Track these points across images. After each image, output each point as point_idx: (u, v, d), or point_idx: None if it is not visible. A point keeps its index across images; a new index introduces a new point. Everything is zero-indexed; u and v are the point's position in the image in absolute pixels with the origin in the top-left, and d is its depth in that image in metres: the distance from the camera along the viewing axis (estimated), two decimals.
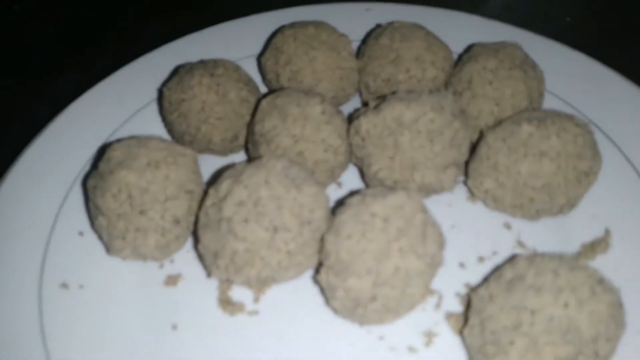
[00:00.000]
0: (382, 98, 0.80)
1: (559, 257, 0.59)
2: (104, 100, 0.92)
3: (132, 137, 0.74)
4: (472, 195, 0.79)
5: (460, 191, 0.81)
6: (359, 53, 0.94)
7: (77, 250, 0.75)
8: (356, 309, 0.61)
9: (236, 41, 1.02)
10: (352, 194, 0.67)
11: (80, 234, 0.77)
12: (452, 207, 0.80)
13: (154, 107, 0.93)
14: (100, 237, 0.73)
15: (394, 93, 0.81)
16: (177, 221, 0.70)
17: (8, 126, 1.01)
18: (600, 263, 0.72)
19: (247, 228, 0.63)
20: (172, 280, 0.72)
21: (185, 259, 0.75)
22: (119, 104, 0.92)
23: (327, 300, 0.65)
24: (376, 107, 0.76)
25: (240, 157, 0.87)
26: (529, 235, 0.76)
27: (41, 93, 1.07)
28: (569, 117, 0.73)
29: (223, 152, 0.86)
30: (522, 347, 0.53)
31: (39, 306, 0.68)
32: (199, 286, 0.72)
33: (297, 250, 0.64)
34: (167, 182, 0.69)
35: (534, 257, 0.60)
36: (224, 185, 0.66)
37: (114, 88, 0.94)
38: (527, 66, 0.82)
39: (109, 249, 0.71)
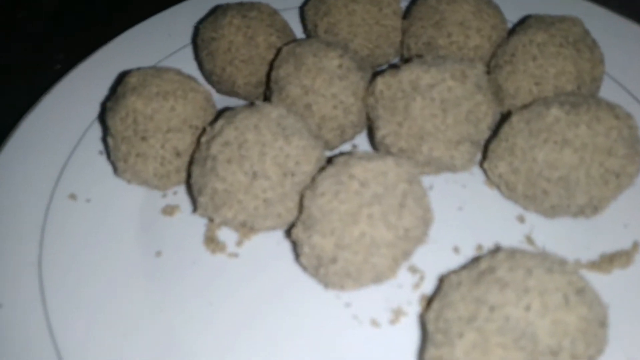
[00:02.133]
0: (416, 59, 0.75)
1: (543, 257, 0.52)
2: (148, 38, 0.95)
3: (152, 67, 0.76)
4: (488, 179, 0.72)
5: (479, 173, 0.75)
6: (407, 12, 0.88)
7: (92, 168, 0.79)
8: (319, 269, 0.60)
9: None
10: (343, 153, 0.64)
11: (100, 153, 0.81)
12: (465, 189, 0.74)
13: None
14: (108, 158, 0.77)
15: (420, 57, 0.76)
16: (177, 153, 0.72)
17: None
18: (616, 278, 0.63)
19: (228, 169, 0.63)
20: (169, 210, 0.75)
21: (184, 194, 0.77)
22: (164, 40, 0.95)
23: (296, 256, 0.63)
24: (397, 68, 0.71)
25: None
26: (542, 232, 0.69)
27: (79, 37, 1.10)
28: (611, 107, 0.63)
29: (250, 97, 0.86)
30: (469, 341, 0.49)
31: (45, 213, 0.74)
32: (192, 220, 0.74)
33: (275, 199, 0.63)
34: (172, 113, 0.71)
35: (517, 252, 0.54)
36: (218, 123, 0.66)
37: (160, 26, 0.97)
38: (583, 45, 0.72)
39: (115, 170, 0.75)
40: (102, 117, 0.79)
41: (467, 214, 0.71)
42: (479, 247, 0.68)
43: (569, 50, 0.70)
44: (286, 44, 0.79)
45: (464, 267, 0.58)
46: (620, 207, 0.67)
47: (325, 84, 0.72)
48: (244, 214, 0.64)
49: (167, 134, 0.71)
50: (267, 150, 0.63)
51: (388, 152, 0.71)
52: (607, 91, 0.76)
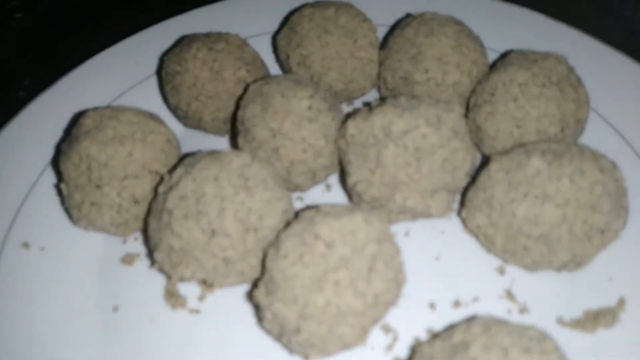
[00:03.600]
0: (384, 100, 0.71)
1: (520, 332, 0.48)
2: (108, 69, 0.90)
3: (109, 107, 0.71)
4: (464, 223, 0.68)
5: (458, 219, 0.70)
6: (385, 42, 0.84)
7: (47, 214, 0.74)
8: (282, 337, 0.55)
9: (256, 15, 0.96)
10: (310, 207, 0.60)
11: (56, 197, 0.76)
12: (444, 236, 0.70)
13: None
14: (62, 204, 0.72)
15: (397, 97, 0.72)
16: (136, 201, 0.67)
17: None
18: (600, 338, 0.60)
19: (184, 225, 0.58)
20: (128, 259, 0.70)
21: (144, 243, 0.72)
22: (125, 72, 0.90)
23: (259, 320, 0.59)
24: (370, 109, 0.67)
25: None
26: (523, 286, 0.65)
27: (46, 61, 1.05)
28: (595, 157, 0.59)
29: (218, 132, 0.82)
30: None
31: None
32: (152, 271, 0.69)
33: (236, 258, 0.59)
34: (129, 159, 0.66)
35: (492, 324, 0.50)
36: (176, 173, 0.62)
37: (120, 56, 0.92)
38: (567, 85, 0.68)
39: (69, 217, 0.70)
40: (56, 161, 0.74)
41: (444, 264, 0.67)
42: (456, 302, 0.64)
43: (552, 91, 0.66)
44: (255, 80, 0.75)
45: (437, 336, 0.54)
46: (604, 259, 0.63)
47: (294, 127, 0.67)
48: (202, 273, 0.60)
49: (124, 181, 0.66)
50: (226, 205, 0.58)
51: (360, 199, 0.67)
52: (593, 128, 0.72)
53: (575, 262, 0.60)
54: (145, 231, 0.68)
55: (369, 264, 0.54)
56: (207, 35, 0.80)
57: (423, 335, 0.61)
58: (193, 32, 0.92)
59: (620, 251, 0.63)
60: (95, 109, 0.71)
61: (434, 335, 0.56)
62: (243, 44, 0.80)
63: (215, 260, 0.58)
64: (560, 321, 0.61)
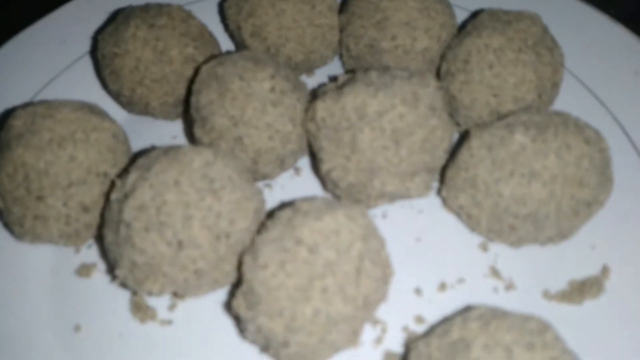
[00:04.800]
0: (354, 73, 0.66)
1: (521, 325, 0.46)
2: (34, 49, 0.79)
3: (41, 102, 0.62)
4: (444, 202, 0.65)
5: (436, 196, 0.67)
6: (344, 5, 0.77)
7: None
8: (268, 349, 0.51)
9: None
10: (285, 205, 0.55)
11: None
12: (422, 215, 0.67)
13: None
14: None
15: (366, 70, 0.66)
16: (85, 208, 0.60)
17: None
18: (587, 309, 0.59)
19: (146, 238, 0.52)
20: (84, 270, 0.63)
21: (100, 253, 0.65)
22: (51, 53, 0.79)
23: (240, 331, 0.55)
24: (340, 87, 0.61)
25: None
26: (507, 262, 0.63)
27: None
28: (579, 128, 0.57)
29: (168, 117, 0.74)
30: None
31: None
32: (112, 282, 0.63)
33: (208, 268, 0.53)
34: (72, 164, 0.58)
35: (491, 318, 0.47)
36: (130, 178, 0.55)
37: (45, 35, 0.81)
38: (543, 48, 0.64)
39: (9, 230, 0.62)
40: None
41: (425, 245, 0.65)
42: (442, 285, 0.62)
43: (528, 56, 0.63)
44: (206, 59, 0.67)
45: (431, 331, 0.52)
46: (586, 227, 0.62)
47: (257, 113, 0.61)
48: (172, 287, 0.54)
49: (69, 189, 0.58)
50: (192, 213, 0.52)
51: (335, 186, 0.62)
52: (566, 89, 0.69)
53: (561, 236, 0.59)
54: (100, 241, 0.61)
55: (356, 264, 0.50)
56: (145, 8, 0.71)
57: (412, 325, 0.59)
58: (127, 3, 0.83)
59: (601, 219, 0.62)
60: (25, 106, 0.62)
61: (430, 329, 0.53)
62: (188, 16, 0.72)
63: (186, 273, 0.53)
64: (546, 294, 0.60)
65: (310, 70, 0.78)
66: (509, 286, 0.61)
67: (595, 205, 0.57)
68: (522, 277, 0.62)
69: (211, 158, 0.55)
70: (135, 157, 0.62)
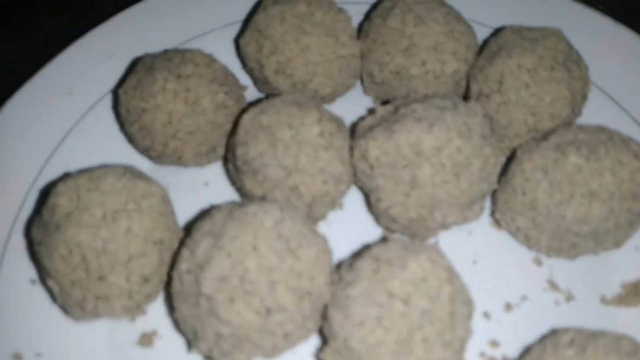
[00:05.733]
0: (392, 104, 0.66)
1: (614, 346, 0.49)
2: (46, 97, 0.75)
3: (80, 174, 0.59)
4: (497, 224, 0.67)
5: (483, 215, 0.69)
6: (360, 30, 0.76)
7: (29, 305, 0.62)
8: None
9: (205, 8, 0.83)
10: (362, 251, 0.55)
11: (33, 282, 0.63)
12: (472, 236, 0.68)
13: (107, 101, 0.77)
14: (52, 299, 0.60)
15: (406, 98, 0.66)
16: (146, 280, 0.57)
17: None
18: None
19: (232, 310, 0.50)
20: (146, 339, 0.61)
21: (160, 310, 0.63)
22: (66, 99, 0.75)
23: None
24: (387, 125, 0.61)
25: (218, 167, 0.73)
26: (562, 273, 0.65)
27: None
28: (625, 143, 0.59)
29: (199, 164, 0.72)
30: None
31: None
32: (178, 346, 0.61)
33: (296, 329, 0.53)
34: (129, 236, 0.56)
35: (584, 343, 0.49)
36: (202, 248, 0.53)
37: (57, 79, 0.76)
38: (571, 63, 0.66)
39: (66, 312, 0.59)
40: (28, 235, 0.61)
41: (482, 267, 0.66)
42: (508, 306, 0.63)
43: (561, 73, 0.64)
44: (243, 108, 0.65)
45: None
46: None
47: (310, 160, 0.60)
48: (259, 353, 0.53)
49: (129, 263, 0.56)
50: (276, 277, 0.51)
51: (393, 222, 0.63)
52: (592, 101, 0.72)
53: (615, 246, 0.61)
54: (171, 313, 0.59)
55: (449, 308, 0.50)
56: (167, 56, 0.68)
57: (488, 350, 0.60)
58: (124, 39, 0.79)
59: None
60: (64, 179, 0.58)
61: (520, 358, 0.55)
62: (210, 60, 0.69)
63: (275, 338, 0.52)
64: (604, 300, 0.63)
65: (333, 99, 0.77)
66: (569, 297, 0.64)
67: None
68: (578, 287, 0.64)
69: (279, 215, 0.54)
70: (191, 223, 0.60)
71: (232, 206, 0.56)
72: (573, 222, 0.58)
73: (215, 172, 0.74)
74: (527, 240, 0.63)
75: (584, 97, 0.68)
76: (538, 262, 0.66)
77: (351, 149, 0.64)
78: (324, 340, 0.55)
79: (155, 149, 0.67)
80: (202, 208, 0.69)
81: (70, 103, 0.76)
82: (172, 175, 0.72)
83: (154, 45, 0.79)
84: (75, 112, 0.76)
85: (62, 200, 0.56)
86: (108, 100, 0.77)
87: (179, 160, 0.69)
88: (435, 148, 0.58)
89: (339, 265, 0.57)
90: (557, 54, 0.65)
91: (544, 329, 0.60)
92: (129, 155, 0.73)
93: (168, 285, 0.58)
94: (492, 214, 0.66)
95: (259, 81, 0.76)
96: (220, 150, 0.71)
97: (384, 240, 0.57)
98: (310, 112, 0.61)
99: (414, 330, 0.49)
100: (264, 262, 0.51)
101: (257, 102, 0.67)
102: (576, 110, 0.67)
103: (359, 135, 0.64)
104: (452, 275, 0.53)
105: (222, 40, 0.82)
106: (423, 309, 0.49)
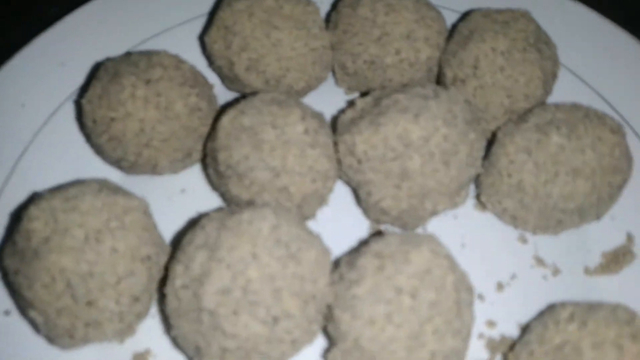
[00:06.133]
0: (370, 96, 0.65)
1: (614, 318, 0.50)
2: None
3: (53, 193, 0.55)
4: (482, 205, 0.68)
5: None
6: (327, 21, 0.75)
7: (6, 338, 0.57)
8: None
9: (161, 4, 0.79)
10: (359, 248, 0.54)
11: (6, 313, 0.59)
12: (458, 220, 0.69)
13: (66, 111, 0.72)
14: (35, 329, 0.56)
15: (383, 88, 0.66)
16: (136, 299, 0.54)
17: None
18: (625, 276, 0.66)
19: (237, 323, 0.49)
20: (140, 358, 0.58)
21: (149, 327, 0.60)
22: (19, 111, 0.70)
23: None
24: (371, 118, 0.60)
25: (193, 172, 0.70)
26: (546, 248, 0.67)
27: None
28: (602, 119, 0.61)
29: (174, 171, 0.69)
30: None
31: None
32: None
33: (302, 334, 0.52)
34: (115, 256, 0.52)
35: (584, 316, 0.51)
36: (198, 261, 0.50)
37: (7, 92, 0.71)
38: (542, 43, 0.68)
39: (51, 342, 0.55)
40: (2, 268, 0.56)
41: (472, 250, 0.67)
42: (500, 285, 0.65)
43: (533, 54, 0.66)
44: (219, 111, 0.62)
45: (524, 339, 0.55)
46: None
47: (299, 159, 0.58)
48: None
49: (118, 285, 0.53)
50: (280, 285, 0.49)
51: (384, 214, 0.62)
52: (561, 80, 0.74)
53: (597, 218, 0.64)
54: (167, 331, 0.56)
55: (455, 297, 0.51)
56: (131, 61, 0.64)
57: (486, 330, 0.62)
58: (75, 44, 0.74)
59: None
60: (36, 200, 0.54)
61: (520, 336, 0.56)
62: (178, 61, 0.66)
63: (283, 345, 0.51)
64: (587, 271, 0.66)
65: (305, 93, 0.75)
66: (555, 271, 0.66)
67: (623, 186, 0.62)
68: (563, 260, 0.66)
69: (274, 220, 0.52)
70: (178, 236, 0.57)
71: (223, 214, 0.54)
72: (559, 200, 0.59)
73: (190, 177, 0.71)
74: (514, 221, 0.64)
75: (555, 76, 0.69)
76: (523, 240, 0.67)
77: (335, 144, 0.63)
78: (330, 341, 0.55)
79: (128, 159, 0.63)
80: (183, 217, 0.66)
81: (25, 116, 0.71)
82: (145, 185, 0.68)
83: (108, 48, 0.74)
84: (31, 125, 0.71)
85: (37, 224, 0.52)
86: (65, 111, 0.72)
87: (153, 169, 0.66)
88: (422, 138, 0.57)
89: (336, 264, 0.56)
90: (528, 35, 0.66)
91: (536, 304, 0.62)
92: (96, 167, 0.69)
93: (160, 303, 0.56)
94: (477, 197, 0.66)
95: (227, 79, 0.73)
96: (196, 155, 0.68)
97: (379, 234, 0.57)
98: (292, 109, 0.60)
99: (424, 323, 0.49)
100: (266, 270, 0.49)
101: (233, 102, 0.64)
102: (548, 90, 0.68)
103: (342, 130, 0.62)
104: (452, 264, 0.53)
105: (183, 38, 0.79)
106: (430, 301, 0.49)
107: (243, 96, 0.66)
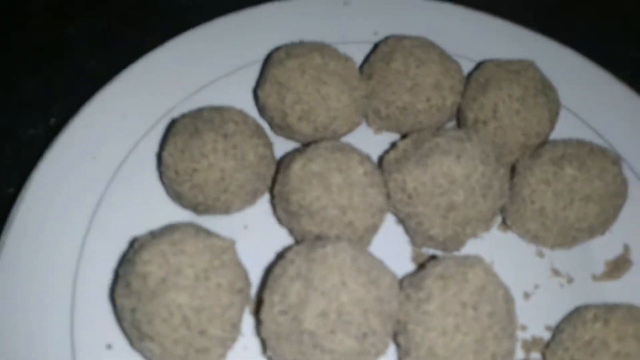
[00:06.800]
0: (409, 138, 0.76)
1: (631, 316, 0.63)
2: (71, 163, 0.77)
3: (158, 236, 0.63)
4: (505, 226, 0.80)
5: None
6: (363, 72, 0.85)
7: None
8: None
9: (213, 51, 0.89)
10: (418, 272, 0.65)
11: (109, 347, 0.66)
12: (485, 241, 0.80)
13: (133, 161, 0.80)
14: (146, 358, 0.64)
15: (419, 131, 0.77)
16: (234, 327, 0.63)
17: None
18: (626, 281, 0.79)
19: (334, 340, 0.58)
20: None
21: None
22: (91, 163, 0.78)
23: None
24: (417, 159, 0.71)
25: (254, 210, 0.79)
26: (560, 260, 0.79)
27: None
28: (604, 153, 0.74)
29: (238, 210, 0.78)
30: None
31: None
32: None
33: (383, 346, 0.62)
34: (220, 291, 0.61)
35: (606, 315, 0.63)
36: (294, 290, 0.60)
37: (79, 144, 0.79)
38: (547, 88, 0.81)
39: None
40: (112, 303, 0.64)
41: (500, 265, 0.76)
42: (526, 294, 0.76)
43: (542, 98, 0.78)
44: (285, 156, 0.72)
45: (556, 338, 0.66)
46: None
47: (362, 198, 0.69)
48: None
49: (224, 315, 0.61)
50: (367, 306, 0.60)
51: (430, 240, 0.73)
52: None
53: (602, 233, 0.77)
54: (264, 352, 0.65)
55: (505, 307, 0.62)
56: (205, 117, 0.73)
57: (521, 333, 0.73)
58: (135, 97, 0.83)
59: None
60: (145, 246, 0.62)
61: (553, 336, 0.68)
62: (245, 116, 0.75)
63: (369, 357, 0.61)
64: (595, 278, 0.78)
65: (343, 135, 0.86)
66: (569, 280, 0.78)
67: (623, 205, 0.75)
68: (574, 270, 0.78)
69: (352, 252, 0.62)
70: (266, 274, 0.66)
71: (306, 249, 0.63)
72: (575, 221, 0.72)
73: (250, 215, 0.80)
74: (535, 239, 0.77)
75: (557, 114, 0.82)
76: (540, 255, 0.80)
77: (386, 181, 0.73)
78: (400, 351, 0.65)
79: (207, 204, 0.72)
80: (251, 251, 0.75)
81: (96, 167, 0.79)
82: (211, 224, 0.77)
83: (164, 99, 0.83)
84: (102, 176, 0.78)
85: (152, 268, 0.60)
86: (134, 161, 0.80)
87: (226, 210, 0.74)
88: (464, 175, 0.69)
89: (399, 285, 0.66)
90: (536, 83, 0.79)
91: (558, 308, 0.74)
92: (168, 211, 0.77)
93: (256, 327, 0.65)
94: (503, 220, 0.78)
95: (277, 127, 0.83)
96: (259, 195, 0.77)
97: (432, 258, 0.68)
98: (352, 155, 0.70)
99: (486, 331, 0.60)
100: (355, 295, 0.59)
101: (296, 151, 0.74)
102: (553, 127, 0.81)
103: (390, 169, 0.73)
104: (499, 280, 0.64)
105: (231, 88, 0.88)
106: (489, 312, 0.60)
107: (305, 144, 0.76)
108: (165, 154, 0.72)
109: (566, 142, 0.77)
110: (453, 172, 0.69)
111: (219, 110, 0.74)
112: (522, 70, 0.80)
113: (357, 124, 0.84)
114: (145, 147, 0.81)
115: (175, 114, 0.82)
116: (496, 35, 0.95)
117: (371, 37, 0.95)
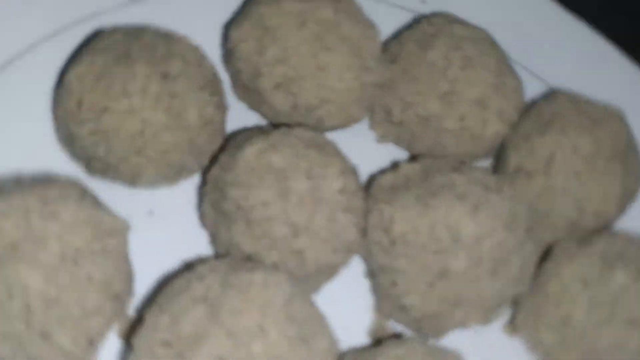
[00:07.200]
0: (419, 163, 0.83)
1: None
2: None
3: (27, 186, 0.69)
4: (512, 327, 0.87)
5: None
6: (387, 54, 0.92)
7: None
8: None
9: None
10: (371, 350, 0.72)
11: None
12: (480, 337, 0.86)
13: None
14: None
15: (436, 158, 0.84)
16: (91, 343, 0.69)
17: None
18: None
19: None
20: None
21: None
22: None
23: None
24: (418, 194, 0.78)
25: (169, 192, 0.85)
26: None
27: None
28: None
29: (149, 187, 0.84)
30: None
31: None
32: None
33: None
34: (88, 286, 0.67)
35: None
36: (191, 316, 0.65)
37: None
38: (631, 154, 0.89)
39: None
40: None
41: None
42: None
43: (617, 165, 0.86)
44: (232, 133, 0.79)
45: None
46: None
47: (326, 222, 0.75)
48: None
49: (82, 320, 0.67)
50: None
51: (402, 312, 0.80)
52: None
53: None
54: None
55: None
56: (144, 40, 0.79)
57: None
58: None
59: None
60: (2, 191, 0.68)
61: None
62: (201, 57, 0.82)
63: None
64: None
65: (332, 130, 0.93)
66: None
67: None
68: None
69: (290, 290, 0.69)
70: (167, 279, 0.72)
71: (227, 267, 0.70)
72: (607, 349, 0.80)
73: (162, 198, 0.86)
74: (547, 356, 0.84)
75: (633, 194, 0.91)
76: None
77: (367, 211, 0.81)
78: None
79: (106, 161, 0.78)
80: (149, 248, 0.80)
81: None
82: (105, 193, 0.83)
83: None
84: None
85: (7, 224, 0.66)
86: (23, 69, 0.86)
87: (130, 180, 0.80)
88: (475, 237, 0.76)
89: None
90: (617, 142, 0.87)
91: None
92: (49, 154, 0.82)
93: (124, 354, 0.71)
94: (512, 318, 0.86)
95: (242, 87, 0.89)
96: (184, 175, 0.83)
97: (397, 337, 0.75)
98: (332, 160, 0.77)
99: None
100: (272, 349, 0.66)
101: (257, 129, 0.81)
102: (622, 210, 0.90)
103: (380, 196, 0.81)
104: None
105: (195, 11, 0.94)
106: None
107: (274, 125, 0.83)
108: (71, 73, 0.78)
109: (633, 239, 0.85)
110: (461, 226, 0.76)
111: (166, 37, 0.81)
112: (603, 118, 0.88)
113: (356, 120, 0.91)
114: (44, 55, 0.87)
115: (105, 22, 0.88)
116: (588, 55, 1.03)
117: (416, 5, 1.03)
